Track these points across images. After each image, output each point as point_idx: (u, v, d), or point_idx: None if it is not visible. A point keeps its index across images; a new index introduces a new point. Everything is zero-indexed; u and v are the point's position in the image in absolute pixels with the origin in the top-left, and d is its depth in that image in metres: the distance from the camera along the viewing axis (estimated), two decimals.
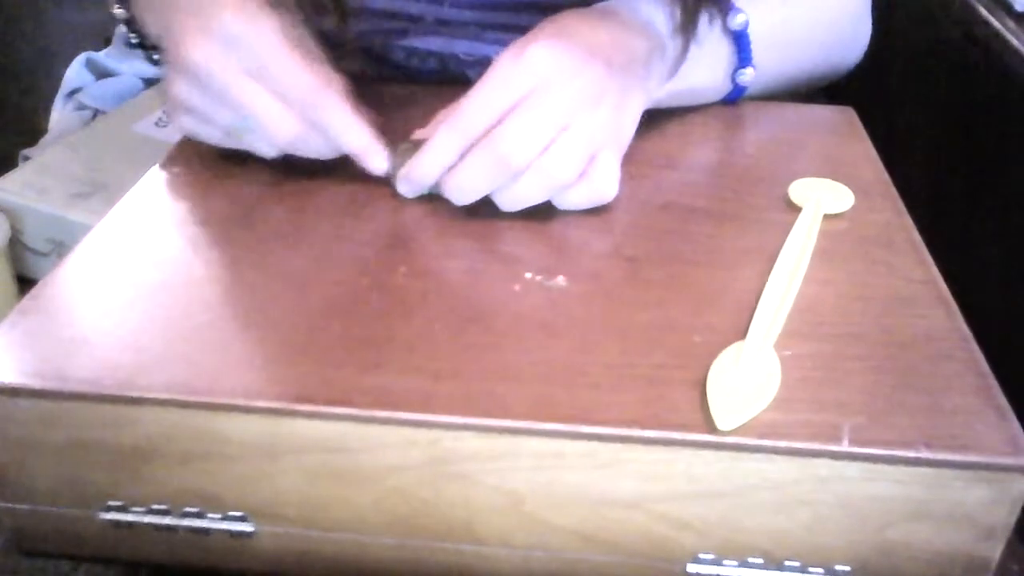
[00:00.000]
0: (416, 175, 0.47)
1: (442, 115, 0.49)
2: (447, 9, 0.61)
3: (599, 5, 0.52)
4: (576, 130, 0.44)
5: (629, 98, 0.48)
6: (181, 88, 0.47)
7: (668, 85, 0.53)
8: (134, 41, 0.57)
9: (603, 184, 0.46)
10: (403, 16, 0.62)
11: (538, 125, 0.44)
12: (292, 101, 0.46)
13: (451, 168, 0.45)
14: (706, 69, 0.56)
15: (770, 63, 0.57)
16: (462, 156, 0.45)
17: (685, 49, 0.52)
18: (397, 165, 0.48)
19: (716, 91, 0.58)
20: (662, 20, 0.51)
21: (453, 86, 0.49)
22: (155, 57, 0.57)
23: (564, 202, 0.46)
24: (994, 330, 0.42)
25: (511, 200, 0.46)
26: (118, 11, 0.56)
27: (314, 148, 0.48)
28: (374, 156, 0.48)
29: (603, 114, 0.46)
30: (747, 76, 0.57)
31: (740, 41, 0.56)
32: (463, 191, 0.45)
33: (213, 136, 0.49)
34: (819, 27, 0.61)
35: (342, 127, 0.47)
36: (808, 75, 0.62)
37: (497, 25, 0.61)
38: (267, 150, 0.48)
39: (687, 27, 0.52)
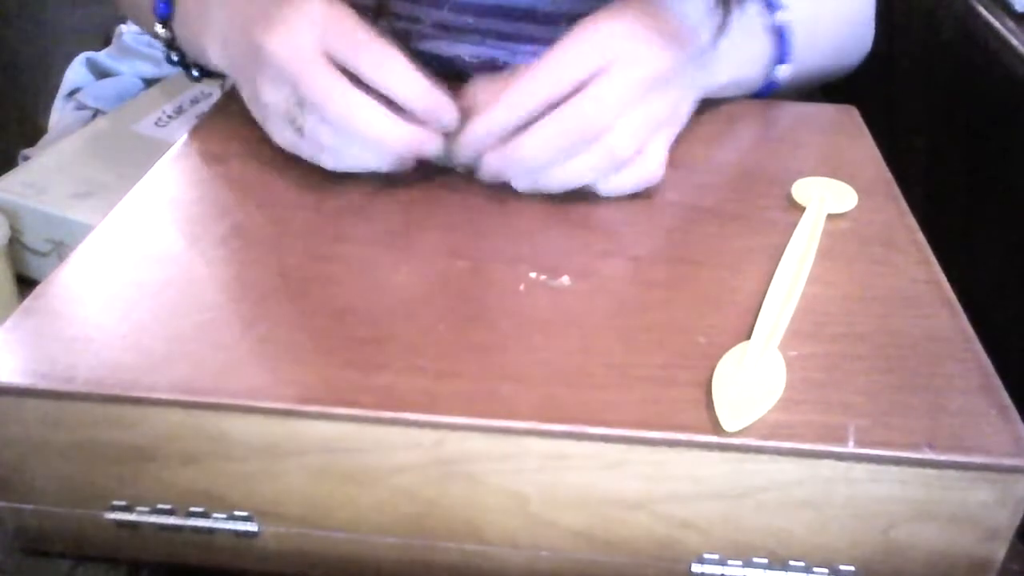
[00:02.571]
0: (477, 134, 0.45)
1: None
2: (447, 13, 0.61)
3: None
4: (646, 108, 0.44)
5: (692, 85, 0.48)
6: (268, 91, 0.46)
7: (715, 78, 0.54)
8: (174, 59, 0.57)
9: (653, 167, 0.46)
10: (403, 16, 0.62)
11: (615, 99, 0.43)
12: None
13: (514, 136, 0.44)
14: (748, 63, 0.56)
15: (800, 59, 0.58)
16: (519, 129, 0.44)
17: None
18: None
19: (752, 84, 0.58)
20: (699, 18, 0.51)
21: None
22: (195, 74, 0.57)
23: (609, 186, 0.46)
24: (996, 330, 0.42)
25: (562, 178, 0.45)
26: (161, 31, 0.56)
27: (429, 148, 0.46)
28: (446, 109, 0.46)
29: (671, 96, 0.46)
30: (784, 71, 0.57)
31: (781, 36, 0.56)
32: (527, 158, 0.44)
33: (314, 149, 0.48)
34: (840, 24, 0.62)
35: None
36: (825, 72, 0.63)
37: (497, 32, 0.61)
38: (374, 161, 0.47)
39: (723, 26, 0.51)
